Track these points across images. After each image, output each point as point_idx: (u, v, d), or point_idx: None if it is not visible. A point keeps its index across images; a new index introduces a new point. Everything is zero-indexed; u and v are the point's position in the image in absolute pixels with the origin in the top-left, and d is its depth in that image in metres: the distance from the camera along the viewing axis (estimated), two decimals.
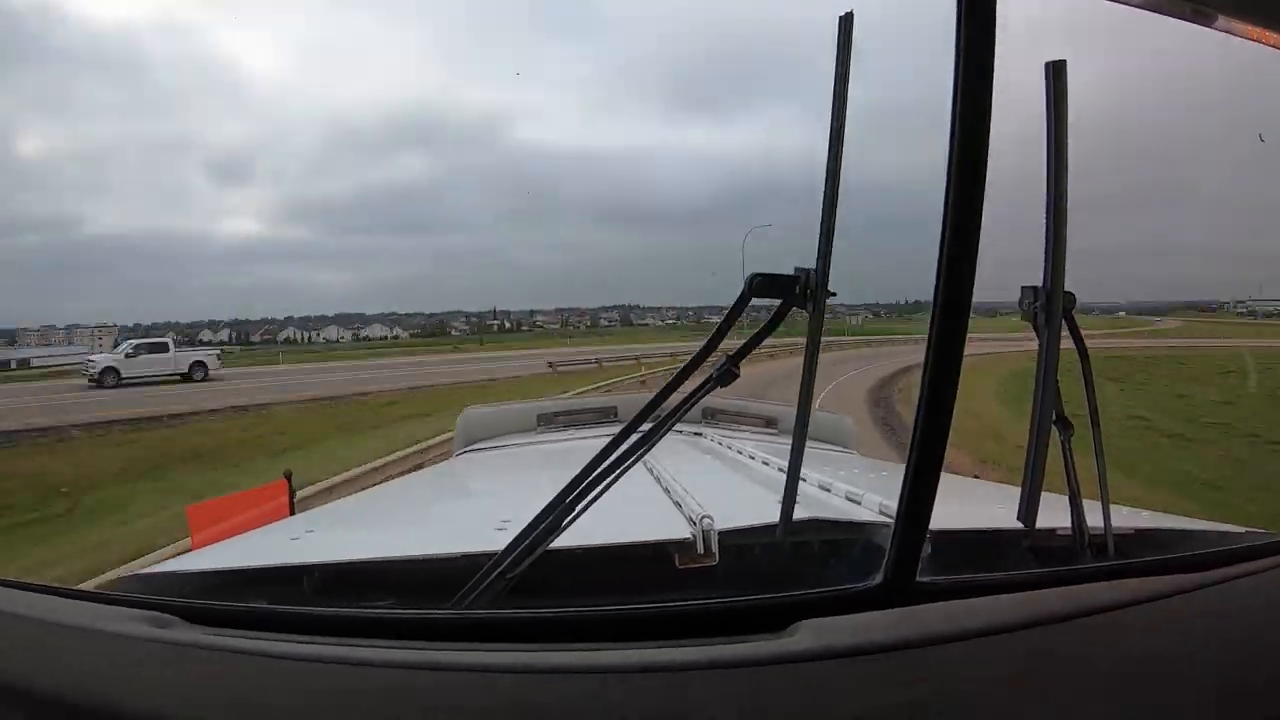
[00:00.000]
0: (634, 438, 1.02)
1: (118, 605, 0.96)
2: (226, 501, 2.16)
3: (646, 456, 1.05)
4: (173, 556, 1.44)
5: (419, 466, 8.18)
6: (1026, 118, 1.08)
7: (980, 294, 0.87)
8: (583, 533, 1.02)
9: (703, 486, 1.52)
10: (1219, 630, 0.93)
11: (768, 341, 1.05)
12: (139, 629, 0.88)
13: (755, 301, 1.00)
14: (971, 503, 1.76)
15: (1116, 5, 1.14)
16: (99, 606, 0.97)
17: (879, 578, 0.92)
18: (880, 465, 2.55)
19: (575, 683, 0.78)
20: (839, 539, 1.28)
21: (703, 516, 1.25)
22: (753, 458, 2.19)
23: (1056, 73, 1.07)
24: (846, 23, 0.96)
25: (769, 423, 3.19)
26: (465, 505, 2.23)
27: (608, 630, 0.90)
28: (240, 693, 0.77)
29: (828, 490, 1.58)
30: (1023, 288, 1.09)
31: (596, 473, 1.01)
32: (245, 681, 0.79)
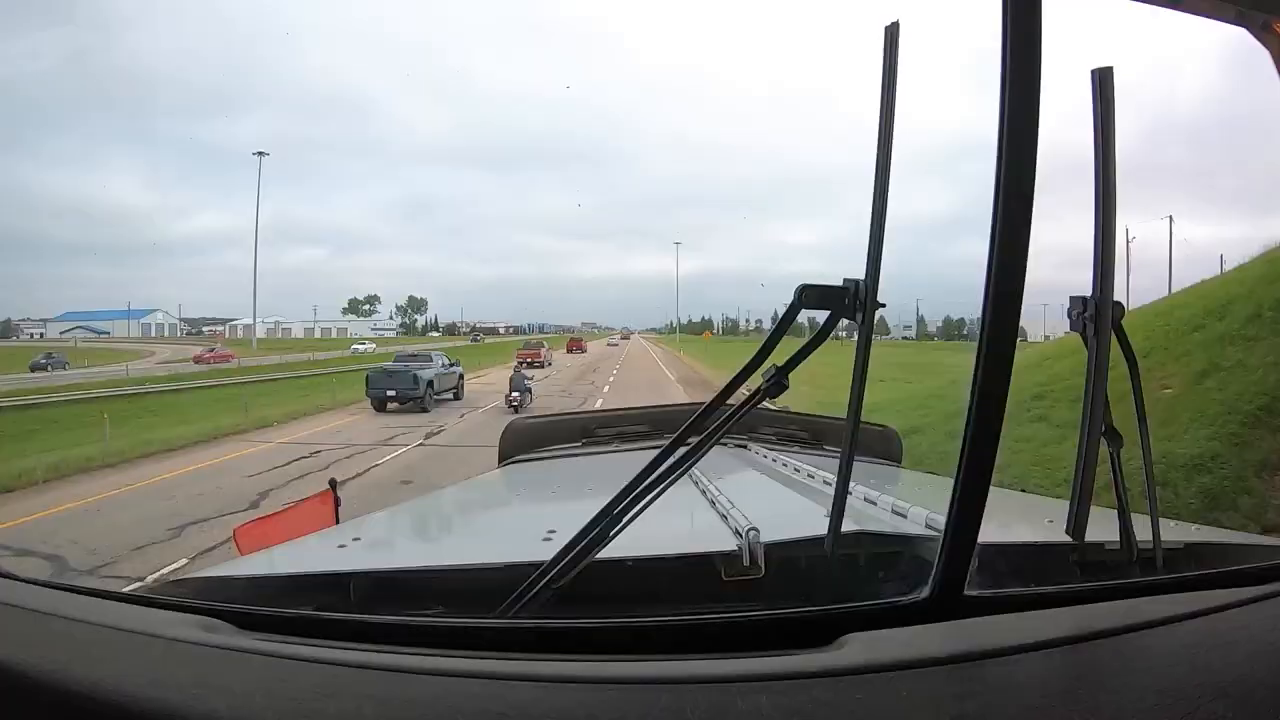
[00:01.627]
0: (681, 450, 1.03)
1: (168, 610, 0.97)
2: (272, 519, 2.19)
3: (693, 469, 1.05)
4: (220, 562, 1.47)
5: None
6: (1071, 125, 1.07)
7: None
8: (628, 544, 1.03)
9: (749, 499, 1.51)
10: (1271, 645, 0.91)
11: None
12: (189, 633, 0.89)
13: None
14: (1019, 515, 1.73)
15: (1165, 10, 1.13)
16: (149, 610, 0.98)
17: (926, 591, 0.92)
18: (927, 478, 2.51)
19: (619, 694, 0.78)
20: (886, 552, 1.26)
21: (749, 529, 1.24)
22: (798, 470, 2.17)
23: (1103, 80, 1.06)
24: (893, 32, 0.96)
25: (816, 435, 3.15)
26: (511, 516, 2.25)
27: (653, 642, 0.90)
28: (291, 698, 0.78)
29: (874, 503, 1.56)
30: (1071, 298, 1.07)
31: (644, 485, 1.01)
32: (295, 687, 0.80)
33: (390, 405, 20.26)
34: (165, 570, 7.12)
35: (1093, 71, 1.06)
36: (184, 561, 7.41)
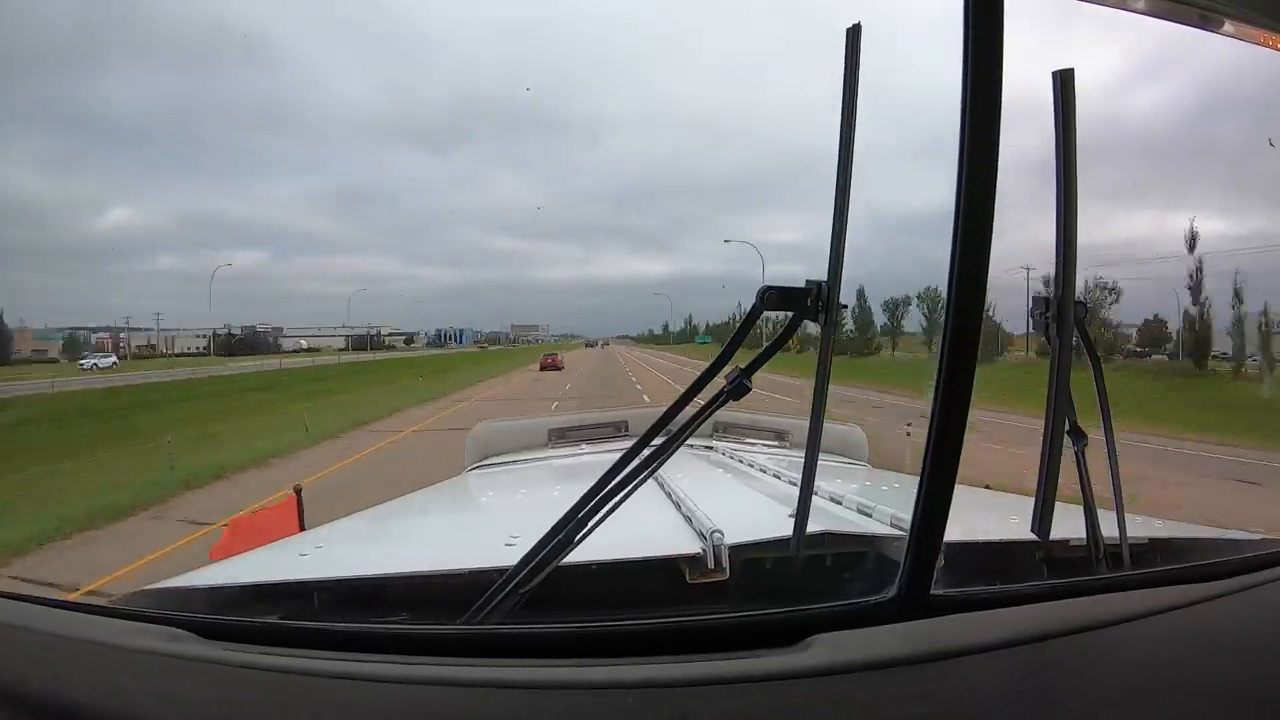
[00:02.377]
0: (646, 452, 1.02)
1: (130, 620, 0.97)
2: (240, 521, 2.17)
3: (658, 471, 1.05)
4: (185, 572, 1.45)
5: None
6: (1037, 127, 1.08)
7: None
8: (593, 548, 1.02)
9: (714, 500, 1.51)
10: (1237, 640, 0.92)
11: None
12: (152, 644, 0.88)
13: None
14: (985, 514, 1.75)
15: (1121, 12, 1.15)
16: (112, 621, 0.97)
17: (893, 591, 0.92)
18: (893, 477, 2.54)
19: (585, 698, 0.77)
20: (852, 552, 1.27)
21: (713, 531, 1.25)
22: (764, 471, 2.19)
23: (1064, 81, 1.07)
24: (854, 34, 0.96)
25: (780, 435, 3.18)
26: (475, 521, 2.23)
27: (618, 646, 0.89)
28: (254, 707, 0.77)
29: (839, 503, 1.57)
30: (1034, 297, 1.09)
31: (608, 488, 1.01)
32: (260, 697, 0.79)
33: None
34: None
35: (1054, 73, 1.08)
36: None
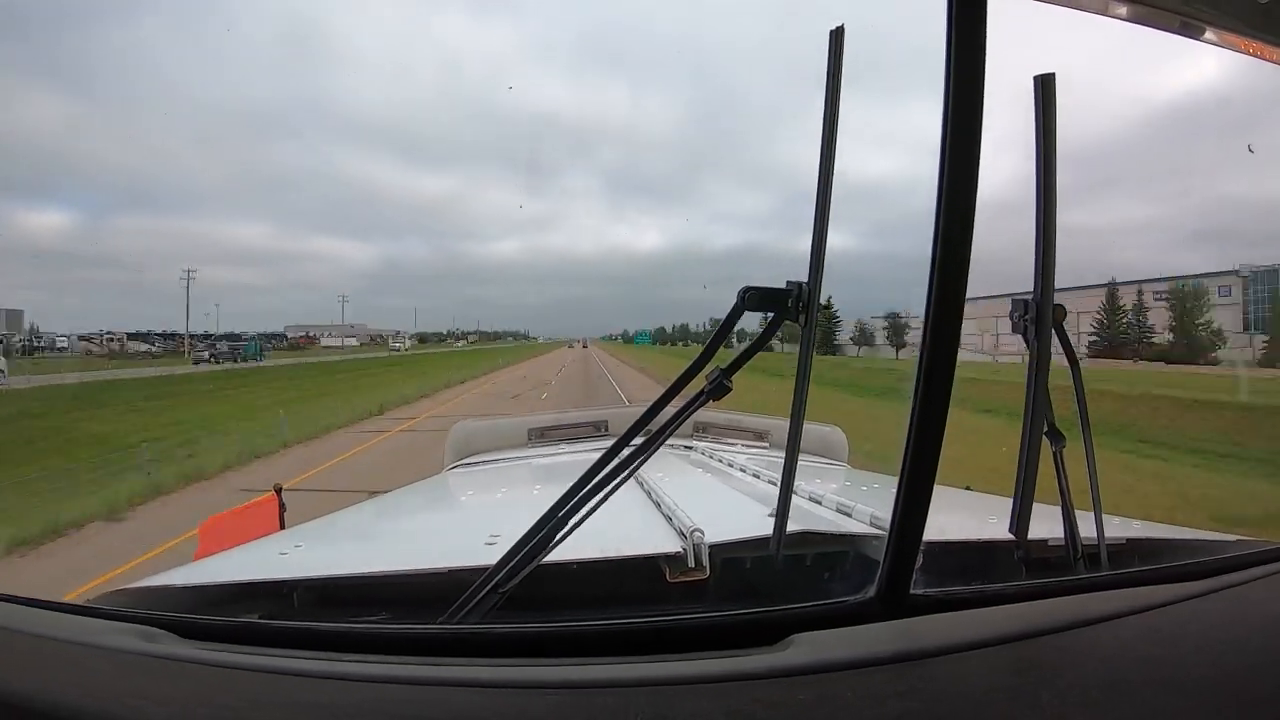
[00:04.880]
0: (626, 452, 1.02)
1: (107, 619, 0.96)
2: (221, 518, 2.15)
3: (639, 470, 1.05)
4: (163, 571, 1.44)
5: None
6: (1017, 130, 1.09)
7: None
8: (573, 547, 1.02)
9: (694, 500, 1.52)
10: (1212, 640, 0.93)
11: None
12: (128, 643, 0.88)
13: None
14: (964, 514, 1.76)
15: (1106, 19, 1.16)
16: (88, 620, 0.97)
17: (872, 590, 0.92)
18: (873, 477, 2.55)
19: (564, 698, 0.77)
20: (832, 552, 1.28)
21: (693, 530, 1.25)
22: (744, 470, 2.19)
23: (1045, 86, 1.08)
24: (837, 37, 0.96)
25: (760, 435, 3.19)
26: (455, 520, 2.23)
27: (598, 645, 0.89)
28: (229, 707, 0.77)
29: (819, 503, 1.58)
30: (1013, 300, 1.09)
31: (588, 488, 1.01)
32: (236, 696, 0.79)
33: None
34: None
35: (1035, 78, 1.09)
36: None
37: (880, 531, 1.22)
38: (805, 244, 1.00)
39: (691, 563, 1.21)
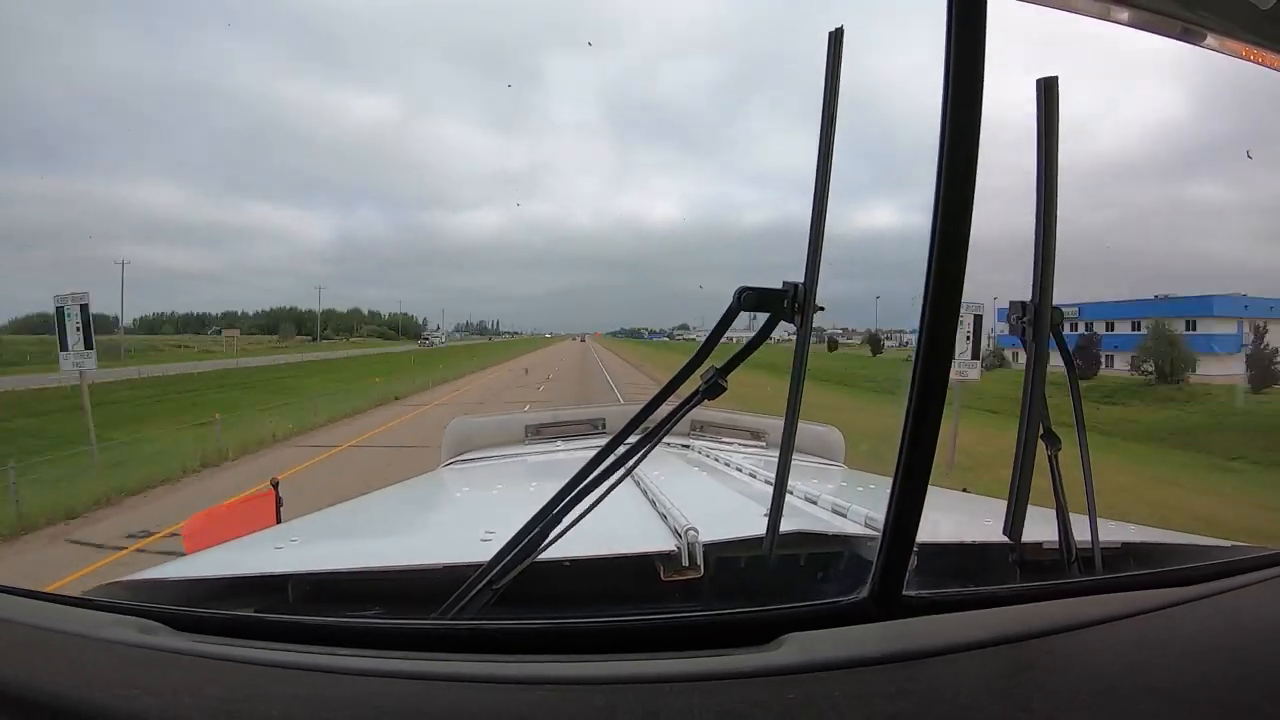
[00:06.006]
0: (621, 450, 1.02)
1: (104, 611, 0.97)
2: (217, 511, 2.15)
3: (634, 468, 1.05)
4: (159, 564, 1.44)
5: None
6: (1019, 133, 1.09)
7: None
8: (568, 545, 1.02)
9: (689, 499, 1.52)
10: (1205, 645, 0.93)
11: None
12: (125, 635, 0.89)
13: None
14: (958, 516, 1.76)
15: (1107, 24, 1.16)
16: (86, 612, 0.97)
17: (865, 591, 0.92)
18: (868, 478, 2.55)
19: (557, 694, 0.78)
20: (826, 552, 1.28)
21: (688, 529, 1.25)
22: (739, 470, 2.19)
23: (1048, 89, 1.08)
24: (836, 38, 0.96)
25: (756, 435, 3.19)
26: (451, 516, 2.23)
27: (591, 642, 0.90)
28: (224, 700, 0.77)
29: (814, 503, 1.58)
30: (1010, 303, 1.09)
31: (583, 485, 1.01)
32: (229, 689, 0.79)
33: None
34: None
35: (1038, 81, 1.08)
36: None
37: (874, 532, 1.22)
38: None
39: (685, 562, 1.21)
